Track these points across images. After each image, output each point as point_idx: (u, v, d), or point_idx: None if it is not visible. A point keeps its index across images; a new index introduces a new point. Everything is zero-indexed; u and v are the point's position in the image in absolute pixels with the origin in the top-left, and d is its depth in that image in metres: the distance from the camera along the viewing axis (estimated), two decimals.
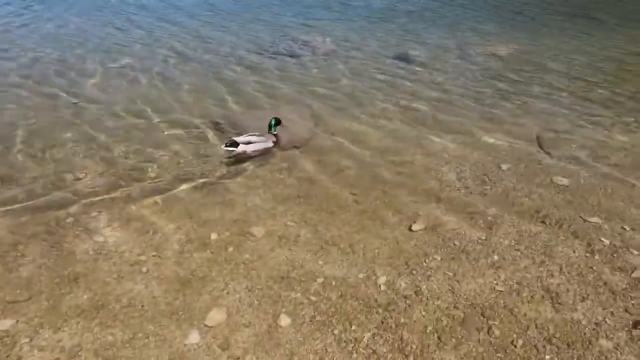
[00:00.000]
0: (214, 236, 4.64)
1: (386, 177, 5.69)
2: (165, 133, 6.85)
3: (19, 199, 5.23)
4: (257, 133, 6.29)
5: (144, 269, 4.22)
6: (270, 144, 6.33)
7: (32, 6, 15.18)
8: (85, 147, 6.41)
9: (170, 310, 3.76)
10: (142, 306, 3.81)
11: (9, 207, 5.07)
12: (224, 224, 4.85)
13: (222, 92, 8.38)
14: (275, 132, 6.39)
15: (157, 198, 5.28)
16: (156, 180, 5.62)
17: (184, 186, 5.52)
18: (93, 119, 7.29)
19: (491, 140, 6.61)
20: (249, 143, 6.14)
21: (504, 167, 5.90)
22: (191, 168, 5.93)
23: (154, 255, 4.39)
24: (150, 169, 5.88)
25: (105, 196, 5.29)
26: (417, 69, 9.56)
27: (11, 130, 6.82)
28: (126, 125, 7.10)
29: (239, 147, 6.04)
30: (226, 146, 6.04)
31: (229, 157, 6.14)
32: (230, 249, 4.49)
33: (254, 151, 6.19)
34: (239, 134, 6.31)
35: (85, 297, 3.91)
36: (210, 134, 6.83)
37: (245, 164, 6.00)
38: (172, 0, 15.91)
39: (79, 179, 5.65)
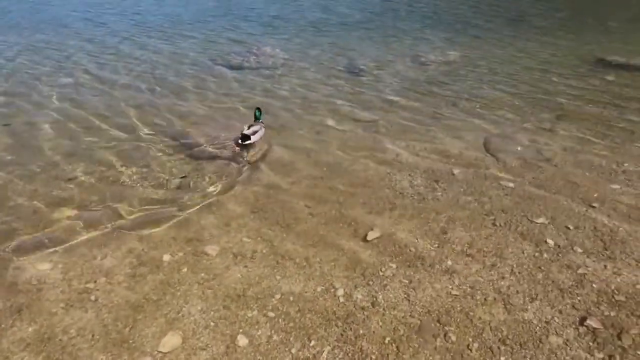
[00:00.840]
0: (166, 257, 4.51)
1: (340, 188, 5.72)
2: (112, 147, 6.63)
3: None
4: (253, 124, 6.86)
5: (93, 297, 4.05)
6: (264, 130, 6.92)
7: None
8: (24, 170, 6.12)
9: (122, 339, 3.62)
10: (93, 336, 3.65)
11: None
12: (177, 244, 4.72)
13: (166, 106, 8.22)
14: (262, 120, 6.99)
15: (107, 223, 5.08)
16: (101, 206, 5.40)
17: (133, 209, 5.35)
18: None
19: (442, 146, 6.77)
20: (254, 133, 6.70)
21: (456, 171, 6.05)
22: (142, 188, 5.75)
23: (103, 282, 4.22)
24: (96, 190, 5.67)
25: (51, 222, 5.06)
26: (365, 78, 9.71)
27: None
28: (74, 145, 6.82)
29: (251, 138, 6.61)
30: (242, 142, 6.57)
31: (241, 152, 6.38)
32: (184, 269, 4.37)
33: (261, 139, 6.82)
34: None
35: (30, 329, 3.71)
36: (156, 149, 6.66)
37: (196, 180, 5.88)
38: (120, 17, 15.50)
39: (19, 204, 5.38)
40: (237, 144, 6.64)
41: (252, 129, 6.73)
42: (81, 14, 16.47)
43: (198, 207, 5.35)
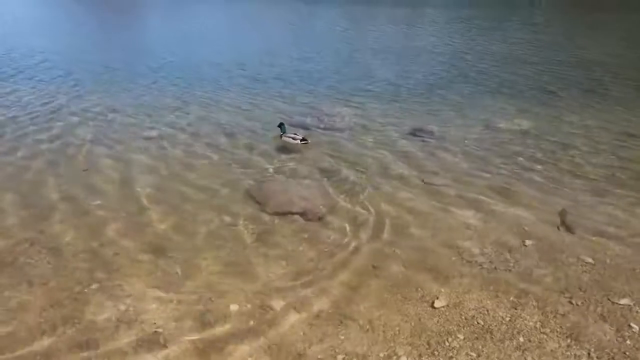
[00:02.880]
0: (234, 308, 4.64)
1: (407, 252, 5.67)
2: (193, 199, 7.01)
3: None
4: (292, 133, 9.56)
5: (162, 341, 4.21)
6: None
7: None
8: (112, 214, 6.59)
9: None
10: None
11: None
12: (245, 295, 4.85)
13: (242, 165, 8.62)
14: (284, 132, 9.61)
15: (178, 268, 5.33)
16: (172, 255, 5.68)
17: (206, 254, 5.59)
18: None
19: (514, 216, 6.58)
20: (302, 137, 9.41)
21: (528, 243, 5.84)
22: (212, 238, 6.02)
23: (173, 327, 4.39)
24: (173, 236, 6.00)
25: (132, 263, 5.39)
26: (434, 142, 9.71)
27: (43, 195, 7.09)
28: (161, 195, 7.29)
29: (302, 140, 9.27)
30: (301, 141, 9.27)
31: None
32: (251, 322, 4.47)
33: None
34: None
35: None
36: (232, 203, 6.96)
37: (267, 234, 6.07)
38: (189, 75, 16.68)
39: (102, 245, 5.78)
40: (301, 141, 9.27)
41: (295, 135, 9.39)
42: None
43: (265, 260, 5.49)
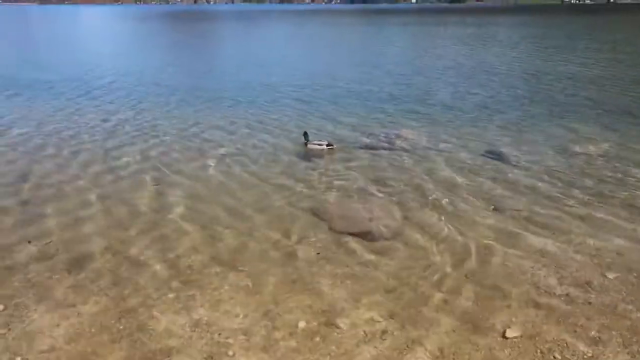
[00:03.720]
0: (301, 324, 4.68)
1: (478, 278, 5.48)
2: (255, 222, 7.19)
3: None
4: (317, 141, 10.42)
5: (230, 352, 4.31)
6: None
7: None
8: (185, 227, 6.89)
9: None
10: None
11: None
12: (311, 312, 4.89)
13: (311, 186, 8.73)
14: (308, 140, 10.40)
15: (247, 282, 5.46)
16: (242, 269, 5.83)
17: (274, 270, 5.70)
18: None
19: (595, 245, 6.19)
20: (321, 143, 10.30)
21: (611, 275, 5.46)
22: (280, 254, 6.12)
23: (241, 339, 4.49)
24: (243, 251, 6.17)
25: (200, 276, 5.59)
26: (510, 165, 9.36)
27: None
28: (234, 208, 7.55)
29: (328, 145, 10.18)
30: (327, 146, 10.18)
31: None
32: (317, 338, 4.48)
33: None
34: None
35: None
36: (297, 221, 7.05)
37: (333, 252, 6.09)
38: (267, 94, 17.18)
39: (178, 256, 6.04)
40: (327, 146, 10.16)
41: (323, 141, 10.33)
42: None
43: (332, 280, 5.51)
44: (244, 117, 13.36)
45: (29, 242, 6.35)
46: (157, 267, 5.76)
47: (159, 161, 9.65)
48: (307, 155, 9.96)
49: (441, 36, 38.48)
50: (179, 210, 7.40)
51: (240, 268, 5.77)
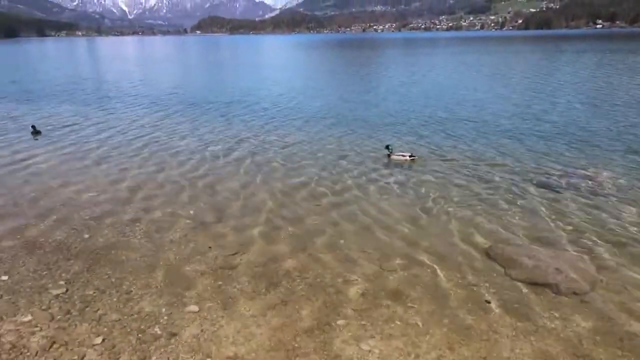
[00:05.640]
0: None
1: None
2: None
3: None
4: (400, 152, 11.52)
5: None
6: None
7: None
8: (354, 254, 6.95)
9: None
10: None
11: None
12: None
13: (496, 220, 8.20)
14: (391, 151, 11.55)
15: (418, 320, 5.27)
16: (411, 305, 5.64)
17: (446, 311, 5.42)
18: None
19: None
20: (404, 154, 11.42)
21: None
22: (452, 295, 5.81)
23: None
24: (412, 286, 5.99)
25: (374, 306, 5.56)
26: None
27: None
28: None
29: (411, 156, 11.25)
30: (410, 157, 11.21)
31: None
32: None
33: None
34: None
35: None
36: (472, 262, 6.64)
37: (513, 303, 5.58)
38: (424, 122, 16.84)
39: (346, 282, 6.10)
40: (410, 157, 11.27)
41: (406, 152, 11.44)
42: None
43: (512, 331, 5.03)
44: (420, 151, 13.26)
45: (209, 247, 7.05)
46: (332, 289, 5.89)
47: (331, 180, 10.01)
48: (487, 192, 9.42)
49: (623, 66, 33.95)
50: (350, 235, 7.51)
51: (409, 304, 5.61)
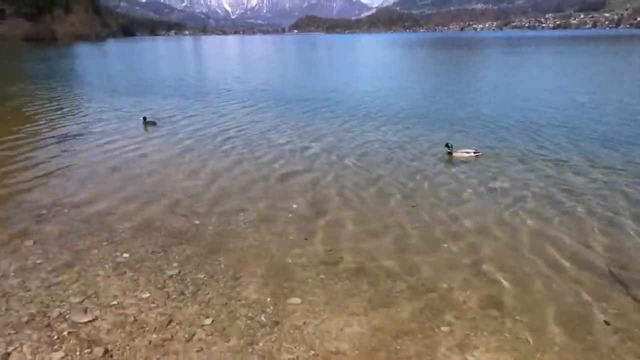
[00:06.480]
0: None
1: None
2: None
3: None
4: (464, 149, 11.43)
5: None
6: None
7: None
8: (457, 258, 6.72)
9: None
10: None
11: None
12: None
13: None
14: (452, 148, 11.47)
15: (528, 335, 4.97)
16: (519, 319, 5.32)
17: (555, 329, 5.05)
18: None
19: None
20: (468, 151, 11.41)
21: None
22: (563, 312, 5.40)
23: None
24: (522, 301, 5.66)
25: (479, 316, 5.34)
26: None
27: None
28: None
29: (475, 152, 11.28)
30: (474, 153, 11.23)
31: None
32: None
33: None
34: None
35: None
36: (589, 279, 6.13)
37: (633, 326, 5.07)
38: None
39: (451, 288, 5.91)
40: (474, 153, 11.26)
41: (470, 149, 11.43)
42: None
43: (635, 355, 4.57)
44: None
45: (305, 239, 7.26)
46: (431, 295, 5.75)
47: (424, 180, 9.76)
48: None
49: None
50: (450, 238, 7.29)
51: (517, 317, 5.31)
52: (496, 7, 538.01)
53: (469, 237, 7.34)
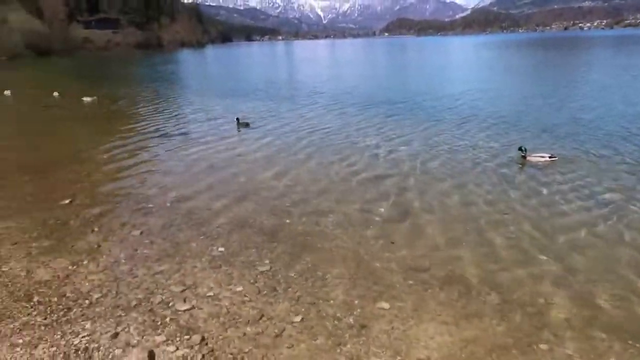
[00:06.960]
0: None
1: None
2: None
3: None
4: (538, 153, 11.07)
5: None
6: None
7: None
8: (554, 277, 6.27)
9: None
10: None
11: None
12: None
13: None
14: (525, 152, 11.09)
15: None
16: (636, 344, 4.84)
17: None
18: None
19: None
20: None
21: None
22: None
23: None
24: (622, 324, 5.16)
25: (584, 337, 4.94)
26: None
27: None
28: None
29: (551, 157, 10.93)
30: (550, 157, 10.91)
31: None
32: None
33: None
34: None
35: None
36: None
37: None
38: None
39: (548, 303, 5.53)
40: (550, 157, 10.97)
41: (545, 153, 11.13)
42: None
43: None
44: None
45: (392, 242, 7.16)
46: (529, 309, 5.41)
47: (518, 188, 9.24)
48: None
49: None
50: (548, 250, 6.82)
51: (630, 342, 4.84)
52: (606, 4, 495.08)
53: (565, 250, 6.84)
